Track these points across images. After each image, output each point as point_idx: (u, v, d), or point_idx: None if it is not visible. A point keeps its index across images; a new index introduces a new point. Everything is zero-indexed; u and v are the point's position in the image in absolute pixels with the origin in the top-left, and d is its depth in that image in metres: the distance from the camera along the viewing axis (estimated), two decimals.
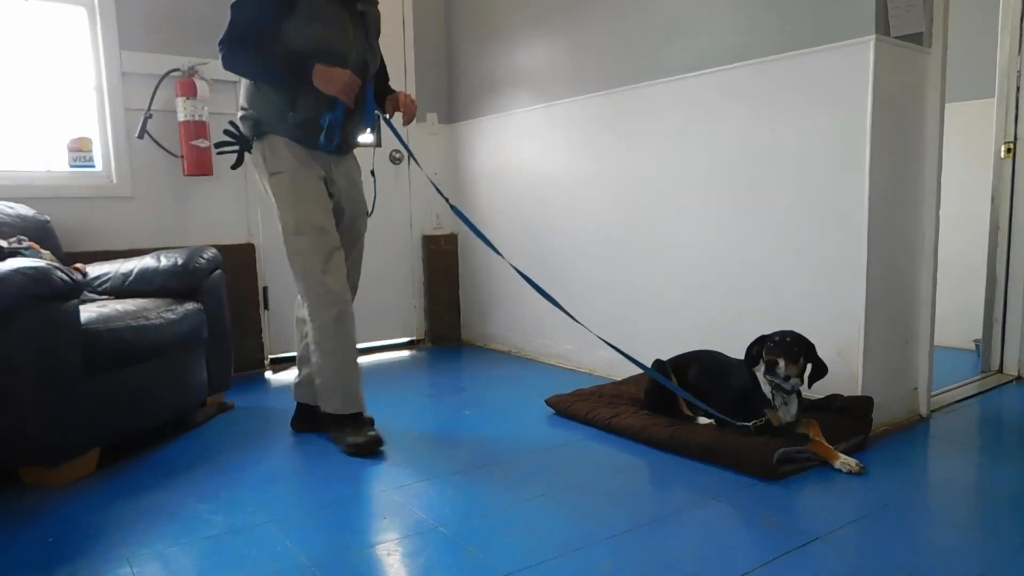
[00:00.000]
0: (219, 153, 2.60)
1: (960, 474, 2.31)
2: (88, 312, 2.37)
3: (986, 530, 1.88)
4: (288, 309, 3.96)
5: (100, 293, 2.85)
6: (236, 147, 2.55)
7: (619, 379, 3.27)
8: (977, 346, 3.64)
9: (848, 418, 2.45)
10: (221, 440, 2.74)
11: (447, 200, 2.85)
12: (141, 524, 1.98)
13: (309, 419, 2.75)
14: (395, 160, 4.31)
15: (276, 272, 3.94)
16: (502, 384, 2.35)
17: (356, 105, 2.46)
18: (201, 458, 2.53)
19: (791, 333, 2.35)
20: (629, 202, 3.39)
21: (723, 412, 2.50)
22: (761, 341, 2.39)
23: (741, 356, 2.57)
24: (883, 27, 2.48)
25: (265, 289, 3.93)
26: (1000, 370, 3.47)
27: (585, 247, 3.63)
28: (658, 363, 2.72)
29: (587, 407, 2.80)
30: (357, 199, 2.69)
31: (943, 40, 2.70)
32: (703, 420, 2.58)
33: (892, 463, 2.34)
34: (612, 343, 2.64)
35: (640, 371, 2.89)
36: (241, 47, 2.34)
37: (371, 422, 2.68)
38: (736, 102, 2.89)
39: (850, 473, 2.22)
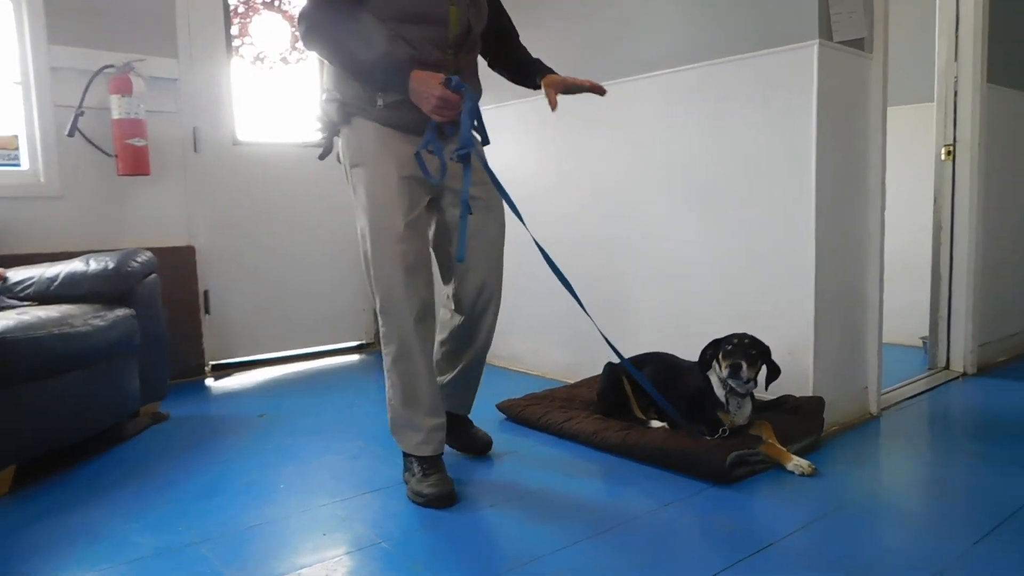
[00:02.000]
0: (319, 142, 2.19)
1: (911, 472, 2.31)
2: (5, 320, 2.22)
3: (938, 529, 1.87)
4: (231, 312, 3.86)
5: (22, 299, 2.69)
6: (326, 134, 2.13)
7: (572, 382, 3.22)
8: (924, 343, 3.69)
9: (800, 419, 2.44)
10: (153, 453, 2.60)
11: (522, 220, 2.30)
12: (58, 548, 1.85)
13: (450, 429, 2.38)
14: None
15: (218, 275, 3.81)
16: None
17: (453, 121, 1.98)
18: (130, 473, 2.39)
19: (747, 336, 2.33)
20: (583, 203, 3.35)
21: (680, 414, 2.46)
22: (716, 344, 2.36)
23: (694, 358, 2.54)
24: (826, 32, 2.50)
25: (206, 293, 3.78)
26: (947, 367, 3.52)
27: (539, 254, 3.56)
28: (610, 366, 2.67)
29: (539, 411, 2.74)
30: (483, 196, 2.15)
31: (884, 45, 2.73)
32: (655, 423, 2.54)
33: (844, 463, 2.33)
34: (610, 343, 2.58)
35: (592, 373, 2.86)
36: (325, 20, 1.91)
37: (464, 433, 2.45)
38: (687, 104, 2.88)
39: (803, 475, 2.20)
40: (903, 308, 3.78)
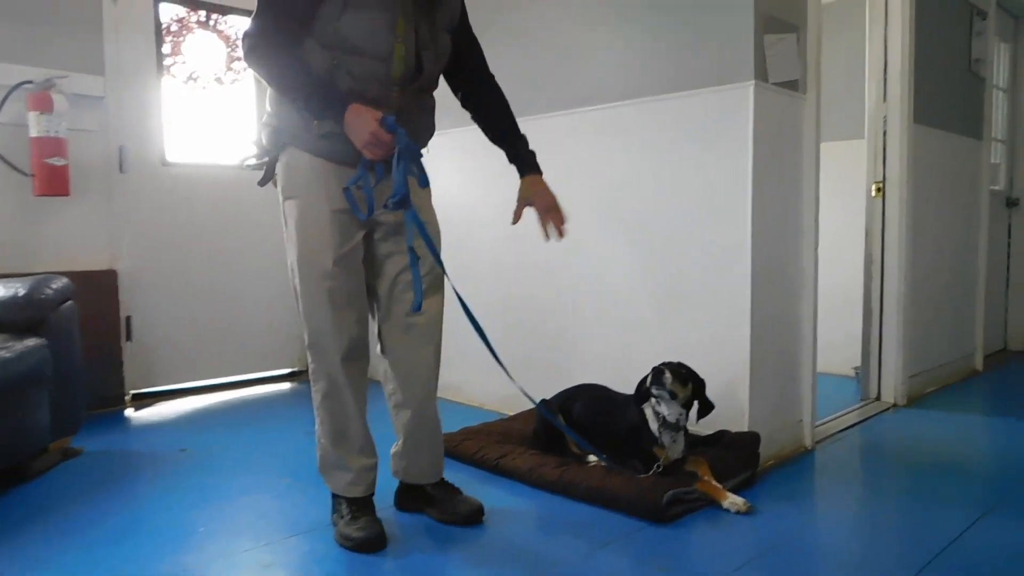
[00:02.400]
0: (251, 168, 2.06)
1: (844, 510, 2.32)
2: None
3: (871, 566, 1.87)
4: (154, 339, 3.69)
5: None
6: (263, 159, 1.99)
7: (510, 414, 3.16)
8: (857, 373, 3.76)
9: (736, 454, 2.43)
10: (61, 493, 2.43)
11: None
12: None
13: (413, 496, 2.24)
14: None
15: (142, 300, 3.64)
16: (388, 420, 2.19)
17: (386, 161, 1.86)
18: (34, 516, 2.23)
19: (682, 364, 2.32)
20: (520, 231, 3.30)
21: (611, 449, 2.44)
22: (650, 376, 2.34)
23: (629, 389, 2.52)
24: (761, 73, 2.56)
25: (128, 319, 3.61)
26: (878, 397, 3.58)
27: (478, 279, 3.52)
28: (544, 403, 2.63)
29: (475, 446, 2.68)
30: (423, 222, 1.98)
31: (816, 86, 2.80)
32: (592, 459, 2.50)
33: (780, 499, 2.33)
34: (525, 392, 2.51)
35: (524, 406, 2.81)
36: (268, 43, 1.80)
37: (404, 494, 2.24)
38: (626, 138, 2.89)
39: (738, 512, 2.18)
40: (837, 338, 3.84)
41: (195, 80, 3.80)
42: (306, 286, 1.95)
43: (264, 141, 1.97)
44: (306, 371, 4.20)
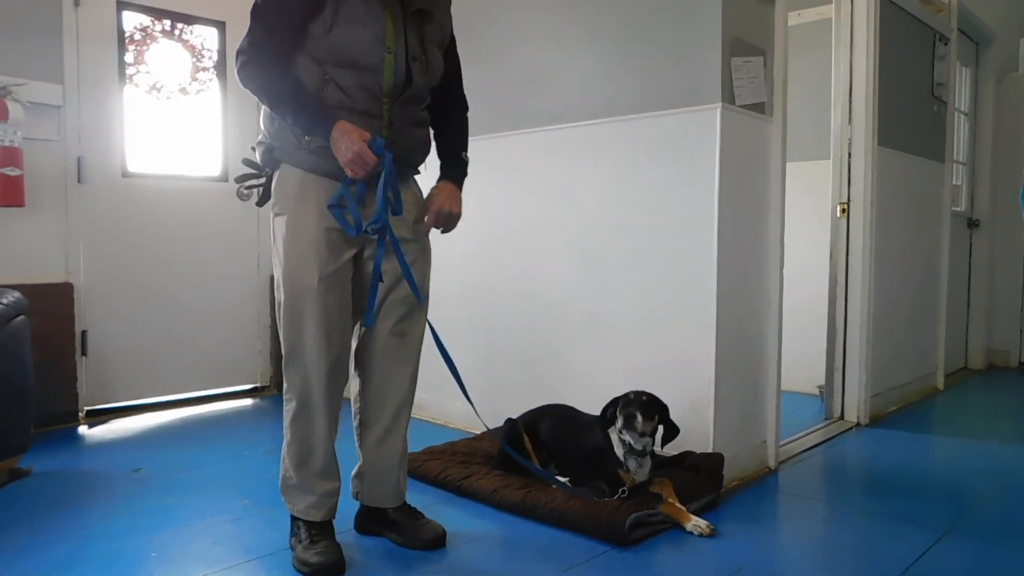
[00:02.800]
0: (245, 188, 2.05)
1: (806, 532, 2.32)
2: None
3: None
4: (111, 354, 3.60)
5: None
6: (260, 179, 2.00)
7: (476, 432, 3.13)
8: (821, 392, 3.78)
9: (700, 476, 2.42)
10: (6, 516, 2.34)
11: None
12: None
13: (375, 519, 2.19)
14: (243, 196, 3.99)
15: (99, 314, 3.55)
16: (351, 438, 2.15)
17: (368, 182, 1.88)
18: None
19: (645, 393, 2.31)
20: (487, 250, 3.30)
21: (577, 469, 2.42)
22: (615, 403, 2.33)
23: (594, 409, 2.51)
24: (728, 96, 2.58)
25: (84, 333, 3.51)
26: (842, 416, 3.61)
27: (446, 297, 3.48)
28: (510, 422, 2.61)
29: (438, 467, 2.64)
30: (408, 239, 2.03)
31: (783, 109, 2.83)
32: (559, 479, 2.47)
33: (743, 521, 2.32)
34: (478, 414, 2.49)
35: (493, 424, 2.78)
36: (259, 59, 1.82)
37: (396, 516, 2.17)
38: (595, 157, 2.89)
39: (702, 535, 2.17)
40: (802, 357, 3.88)
41: (159, 90, 3.73)
42: (290, 302, 1.93)
43: (259, 160, 1.98)
44: (268, 387, 4.17)
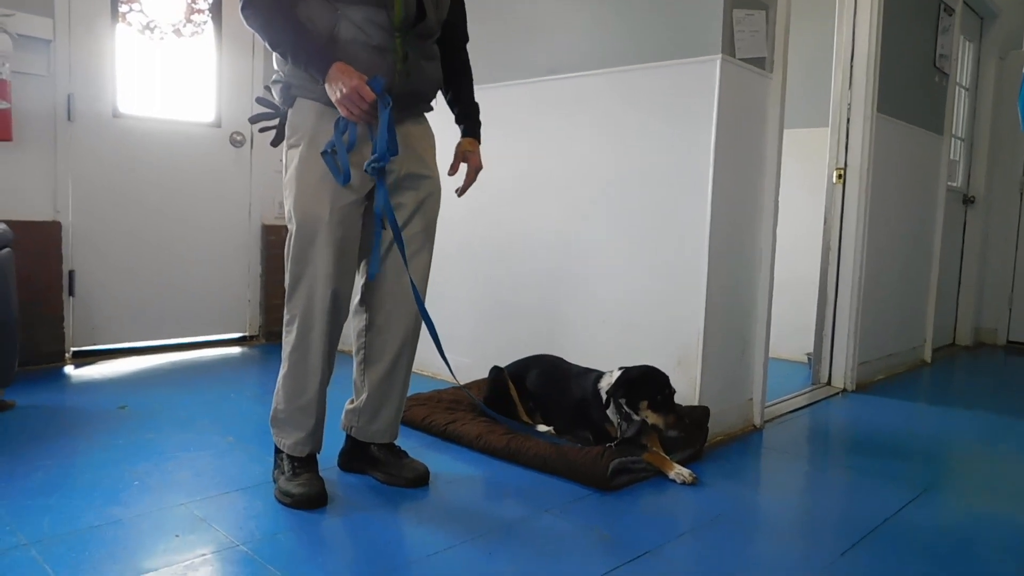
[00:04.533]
0: (260, 131, 2.10)
1: (788, 484, 2.33)
2: None
3: (809, 540, 1.88)
4: (99, 296, 3.58)
5: None
6: (274, 119, 2.01)
7: (463, 383, 3.12)
8: (809, 359, 3.79)
9: (684, 430, 2.42)
10: None
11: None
12: None
13: (359, 456, 2.20)
14: (236, 143, 3.96)
15: (87, 255, 3.52)
16: (337, 385, 2.13)
17: (366, 122, 1.86)
18: None
19: (666, 381, 2.26)
20: (479, 202, 3.26)
21: (562, 419, 2.42)
22: (629, 384, 2.26)
23: (587, 362, 2.51)
24: (729, 48, 2.54)
25: (71, 273, 3.48)
26: (829, 382, 3.63)
27: (442, 251, 3.45)
28: (495, 370, 2.60)
29: (424, 412, 2.64)
30: (423, 175, 2.03)
31: (783, 66, 2.80)
32: (542, 427, 2.48)
33: (726, 473, 2.33)
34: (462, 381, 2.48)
35: (483, 376, 2.78)
36: None
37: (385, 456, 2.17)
38: (591, 109, 2.86)
39: (684, 484, 2.18)
40: (792, 325, 3.89)
41: (152, 30, 3.66)
42: (300, 234, 1.91)
43: (276, 98, 1.97)
44: (257, 337, 4.15)
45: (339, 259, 1.92)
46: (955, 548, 1.86)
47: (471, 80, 2.23)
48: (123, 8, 3.57)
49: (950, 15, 4.26)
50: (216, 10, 3.87)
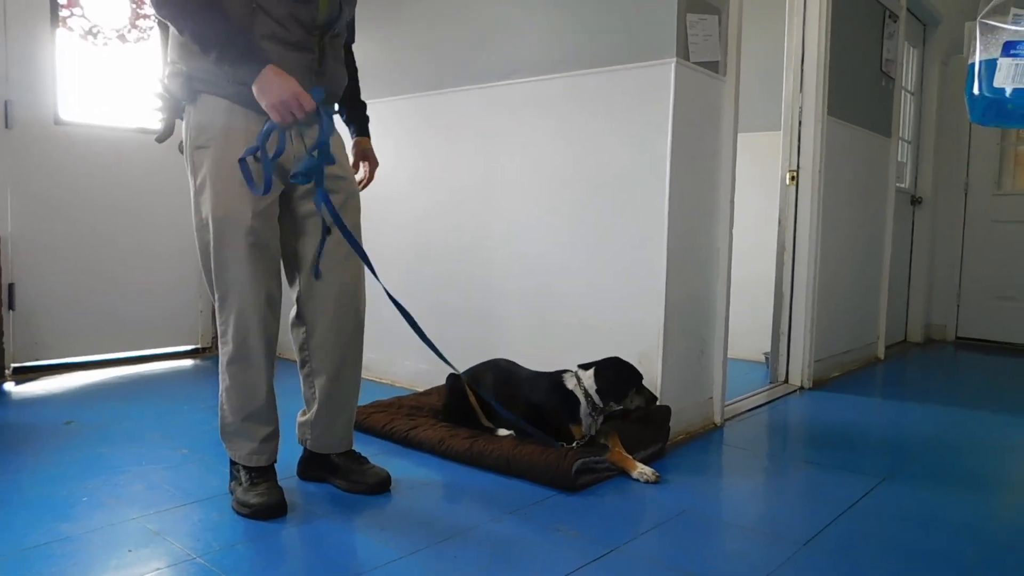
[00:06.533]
0: (159, 121, 1.94)
1: (750, 479, 2.34)
2: None
3: (772, 533, 1.88)
4: (41, 309, 3.45)
5: None
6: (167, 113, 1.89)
7: (421, 390, 3.09)
8: (767, 358, 3.84)
9: (647, 427, 2.43)
10: None
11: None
12: None
13: (319, 465, 2.15)
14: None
15: (28, 267, 3.40)
16: (295, 394, 2.09)
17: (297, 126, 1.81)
18: None
19: (634, 369, 2.38)
20: (440, 205, 3.25)
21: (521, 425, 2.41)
22: (616, 370, 2.34)
23: (547, 364, 2.50)
24: (683, 52, 2.57)
25: (11, 286, 3.35)
26: (786, 380, 3.67)
27: (393, 253, 3.43)
28: (452, 377, 2.58)
29: (384, 419, 2.60)
30: (339, 176, 1.97)
31: (736, 70, 2.84)
32: (503, 432, 2.45)
33: (688, 471, 2.34)
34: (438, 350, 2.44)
35: (442, 382, 2.75)
36: None
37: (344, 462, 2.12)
38: (548, 112, 2.86)
39: (647, 482, 2.18)
40: (749, 324, 3.93)
41: (95, 35, 3.56)
42: (222, 241, 1.84)
43: (174, 91, 1.84)
44: (209, 348, 4.05)
45: (266, 261, 1.88)
46: (914, 534, 1.88)
47: (358, 81, 2.25)
48: (63, 13, 3.46)
49: (895, 21, 4.38)
50: None
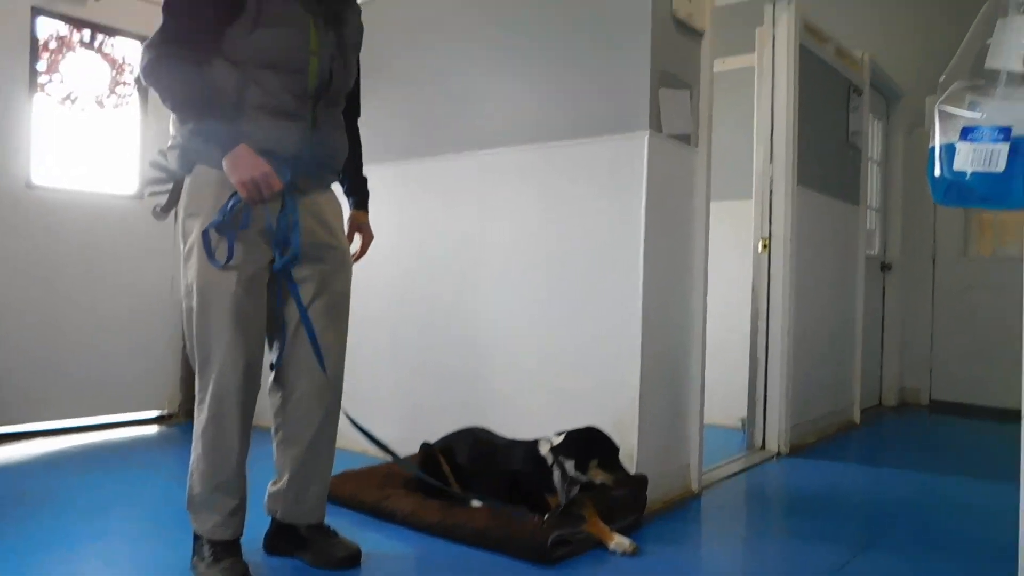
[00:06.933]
0: (149, 194, 2.00)
1: (729, 549, 2.31)
2: None
3: None
4: (4, 372, 3.35)
5: None
6: (167, 184, 1.90)
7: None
8: (743, 424, 3.82)
9: (623, 497, 2.38)
10: None
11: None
12: None
13: (287, 538, 2.07)
14: (158, 216, 3.82)
15: None
16: (265, 462, 2.03)
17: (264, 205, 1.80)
18: None
19: (611, 441, 2.28)
20: (415, 271, 3.24)
21: (498, 494, 2.35)
22: (575, 443, 2.26)
23: (521, 431, 2.46)
24: (656, 124, 2.63)
25: None
26: (763, 447, 3.64)
27: (370, 316, 3.40)
28: (425, 446, 2.53)
29: (354, 488, 2.53)
30: (332, 246, 2.00)
31: (708, 141, 2.90)
32: (476, 502, 2.40)
33: (666, 541, 2.29)
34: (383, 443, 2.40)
35: (416, 450, 2.69)
36: (170, 56, 1.75)
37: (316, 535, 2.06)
38: (525, 181, 2.90)
39: (624, 554, 2.13)
40: (725, 390, 3.91)
41: (73, 101, 3.58)
42: (205, 308, 1.83)
43: (172, 164, 1.88)
44: (176, 415, 3.95)
45: (248, 330, 1.86)
46: None
47: (361, 154, 2.25)
48: (42, 79, 3.48)
49: (859, 95, 4.53)
50: (142, 82, 3.81)
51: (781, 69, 3.70)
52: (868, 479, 3.21)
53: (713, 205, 2.96)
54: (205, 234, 1.78)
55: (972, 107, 1.34)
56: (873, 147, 5.16)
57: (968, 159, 1.31)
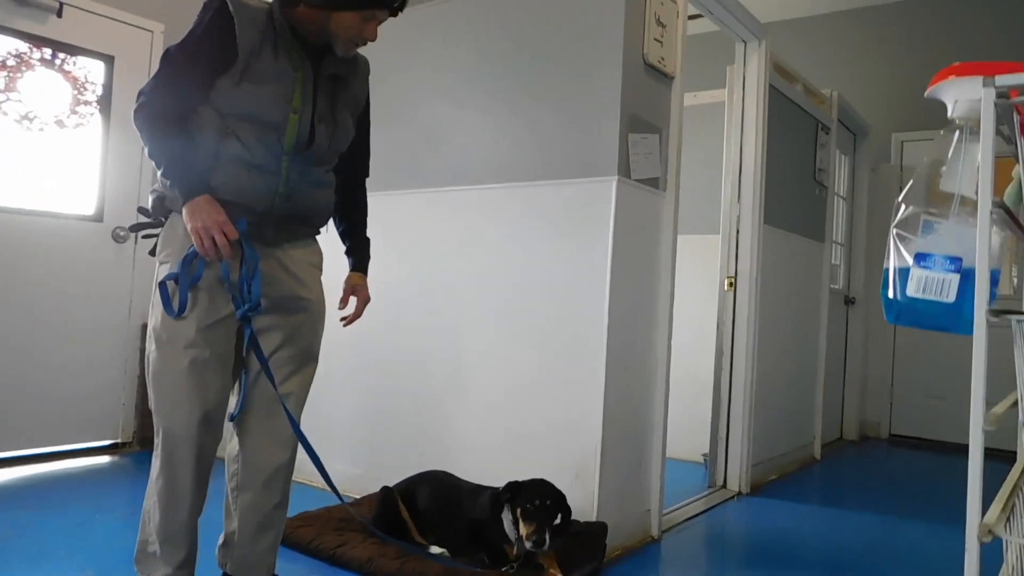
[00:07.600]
0: (143, 236, 1.98)
1: None
2: None
3: None
4: None
5: None
6: (156, 228, 1.90)
7: (355, 496, 2.97)
8: (705, 459, 3.82)
9: (583, 545, 2.37)
10: None
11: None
12: None
13: None
14: (119, 238, 3.75)
15: None
16: (217, 500, 1.97)
17: (222, 258, 1.76)
18: None
19: (547, 493, 2.22)
20: (379, 309, 3.16)
21: (456, 540, 2.32)
22: (515, 491, 2.23)
23: (483, 477, 2.44)
24: (624, 170, 2.65)
25: None
26: (724, 485, 3.65)
27: (329, 354, 3.34)
28: (385, 489, 2.49)
29: (311, 534, 2.47)
30: (300, 296, 1.96)
31: (676, 185, 2.93)
32: (435, 550, 2.36)
33: None
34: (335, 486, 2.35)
35: (375, 488, 2.65)
36: (156, 105, 1.76)
37: None
38: (494, 220, 2.89)
39: None
40: (688, 425, 3.93)
41: (31, 120, 3.49)
42: (162, 354, 1.81)
43: (152, 208, 1.90)
44: (130, 443, 3.85)
45: (204, 379, 1.81)
46: None
47: (365, 215, 2.21)
48: None
49: (827, 133, 4.60)
50: (105, 102, 3.73)
51: (751, 110, 3.74)
52: (827, 522, 3.22)
53: (680, 239, 2.97)
54: (162, 284, 1.77)
55: (926, 229, 1.35)
56: (839, 182, 5.23)
57: (920, 286, 1.32)
